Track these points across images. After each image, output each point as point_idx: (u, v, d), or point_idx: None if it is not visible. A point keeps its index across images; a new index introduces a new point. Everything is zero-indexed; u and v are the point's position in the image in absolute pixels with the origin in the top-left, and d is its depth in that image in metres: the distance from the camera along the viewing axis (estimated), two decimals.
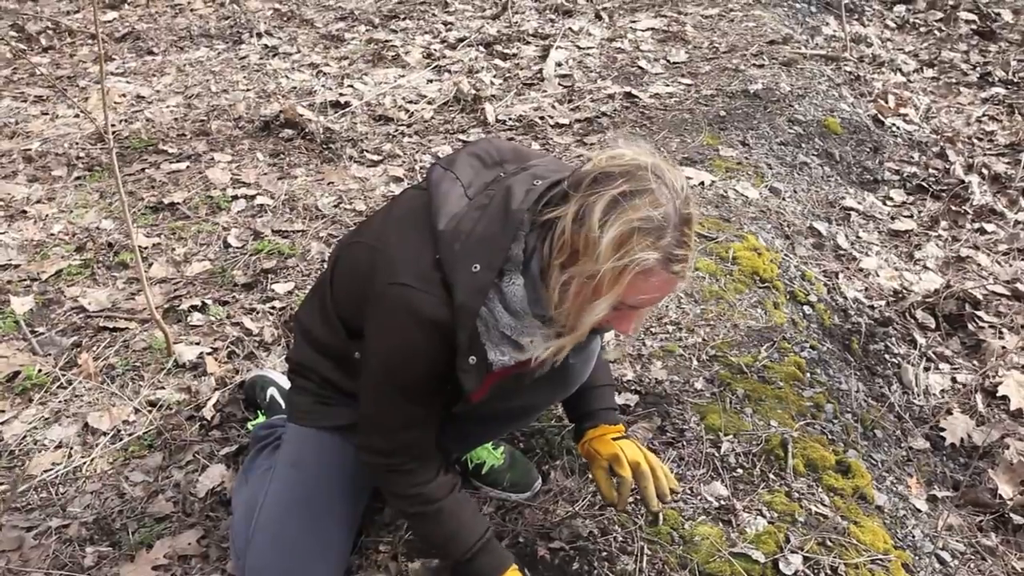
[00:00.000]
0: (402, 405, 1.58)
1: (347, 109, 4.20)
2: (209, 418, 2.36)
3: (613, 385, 1.95)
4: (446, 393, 1.59)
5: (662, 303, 2.71)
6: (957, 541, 2.25)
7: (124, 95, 4.47)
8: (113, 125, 4.08)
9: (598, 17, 5.36)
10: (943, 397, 2.79)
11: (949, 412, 2.72)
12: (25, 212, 3.39)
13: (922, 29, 5.65)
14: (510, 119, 4.08)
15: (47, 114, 4.29)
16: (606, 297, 1.37)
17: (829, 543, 1.94)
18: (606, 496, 1.82)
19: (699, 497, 2.04)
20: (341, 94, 4.37)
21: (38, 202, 3.46)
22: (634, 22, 5.25)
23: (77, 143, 3.94)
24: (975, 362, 2.94)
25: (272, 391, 2.25)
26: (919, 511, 2.32)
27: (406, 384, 1.55)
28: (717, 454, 2.16)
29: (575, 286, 1.39)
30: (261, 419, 2.23)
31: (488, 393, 1.58)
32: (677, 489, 1.85)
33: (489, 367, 1.49)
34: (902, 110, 4.55)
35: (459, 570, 1.74)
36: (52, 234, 3.23)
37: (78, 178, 3.65)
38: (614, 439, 1.82)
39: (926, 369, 2.87)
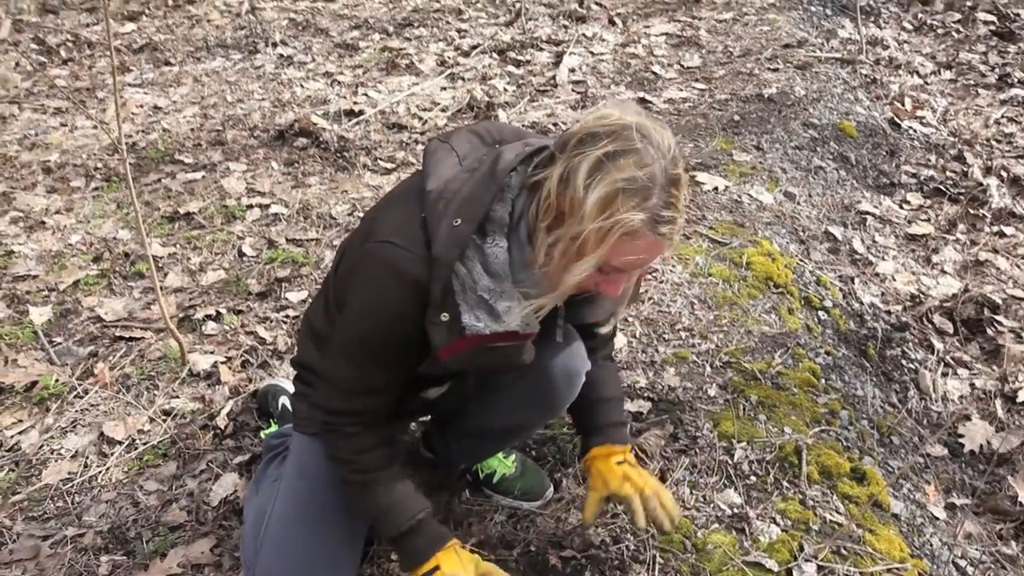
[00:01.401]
0: (365, 365, 1.56)
1: (361, 117, 4.22)
2: (223, 427, 2.37)
3: (622, 398, 1.93)
4: (411, 362, 1.58)
5: (675, 309, 2.70)
6: (976, 550, 2.22)
7: (141, 106, 4.52)
8: (130, 136, 4.12)
9: (612, 23, 5.36)
10: (961, 403, 2.76)
11: (968, 418, 2.69)
12: (44, 223, 3.42)
13: (939, 31, 5.60)
14: (523, 125, 4.08)
15: (66, 126, 4.34)
16: (590, 257, 1.36)
17: (844, 551, 1.92)
18: (584, 517, 1.83)
19: (712, 505, 2.03)
20: (355, 102, 4.39)
21: (56, 213, 3.50)
22: (648, 27, 5.25)
23: (95, 154, 3.98)
24: (994, 367, 2.90)
25: (284, 400, 2.26)
26: (937, 519, 2.29)
27: (375, 345, 1.53)
28: (730, 461, 2.15)
29: (560, 247, 1.38)
30: (274, 428, 2.24)
31: (462, 360, 1.54)
32: (677, 517, 1.82)
33: (462, 330, 1.47)
34: (919, 113, 4.52)
35: (393, 548, 1.73)
36: (70, 244, 3.27)
37: (96, 189, 3.69)
38: (618, 463, 1.80)
39: (944, 374, 2.84)
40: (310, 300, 2.87)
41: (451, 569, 1.61)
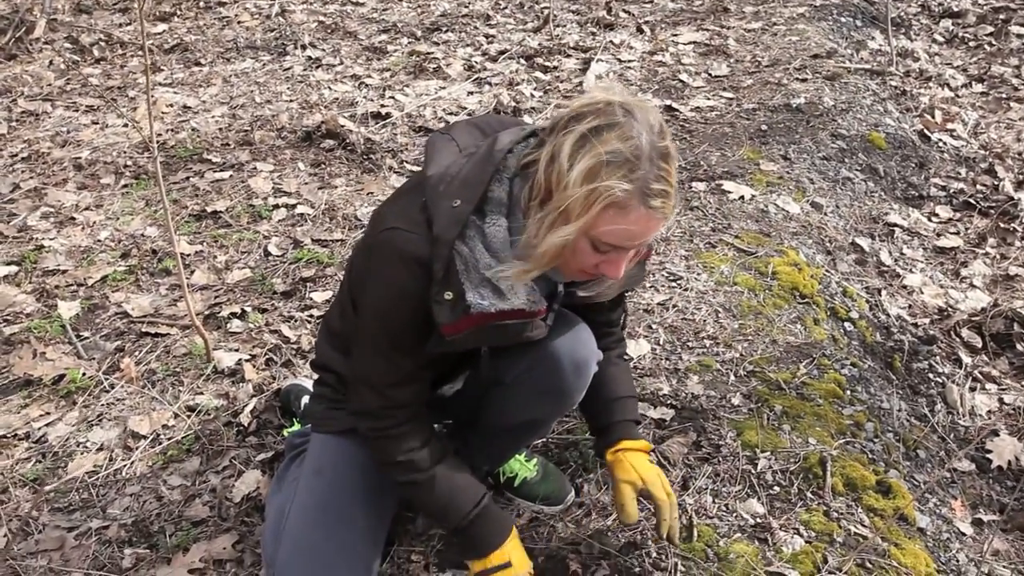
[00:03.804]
0: (391, 356, 1.59)
1: (388, 120, 4.24)
2: (246, 424, 2.38)
3: (636, 396, 1.93)
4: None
5: (699, 317, 2.69)
6: (1004, 567, 2.19)
7: (171, 105, 4.56)
8: (160, 134, 4.16)
9: (640, 30, 5.35)
10: (990, 418, 2.72)
11: (996, 433, 2.65)
12: (74, 219, 3.46)
13: (971, 43, 5.54)
14: None
15: (97, 124, 4.39)
16: (574, 223, 1.37)
17: (868, 565, 1.90)
18: (628, 514, 1.77)
19: (735, 514, 2.01)
20: (382, 105, 4.41)
21: (86, 209, 3.54)
22: (676, 35, 5.24)
23: (125, 152, 4.02)
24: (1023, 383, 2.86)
25: (306, 400, 2.27)
26: (963, 535, 2.26)
27: (395, 330, 1.56)
28: (754, 471, 2.13)
29: (549, 219, 1.40)
30: (296, 427, 2.25)
31: (469, 336, 1.55)
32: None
33: (467, 308, 1.49)
34: (949, 125, 4.47)
35: (459, 538, 1.74)
36: (99, 240, 3.30)
37: (125, 186, 3.73)
38: (651, 462, 1.82)
39: (972, 389, 2.81)
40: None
41: (522, 567, 1.69)
